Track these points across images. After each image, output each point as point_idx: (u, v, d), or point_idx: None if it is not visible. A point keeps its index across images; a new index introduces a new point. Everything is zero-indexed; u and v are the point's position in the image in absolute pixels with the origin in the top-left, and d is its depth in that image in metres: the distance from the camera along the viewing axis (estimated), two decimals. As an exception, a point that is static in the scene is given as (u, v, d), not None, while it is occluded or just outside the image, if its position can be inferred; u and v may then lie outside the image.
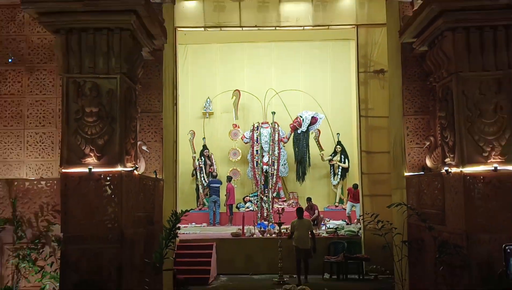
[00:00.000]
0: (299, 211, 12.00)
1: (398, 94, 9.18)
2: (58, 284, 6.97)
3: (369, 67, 12.70)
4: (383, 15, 10.73)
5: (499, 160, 6.98)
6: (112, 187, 6.87)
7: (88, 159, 6.90)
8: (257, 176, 16.43)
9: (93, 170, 6.84)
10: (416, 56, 8.84)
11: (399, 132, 9.25)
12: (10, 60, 8.73)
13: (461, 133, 7.08)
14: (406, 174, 9.06)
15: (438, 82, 7.97)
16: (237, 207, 16.62)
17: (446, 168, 7.44)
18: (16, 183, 7.89)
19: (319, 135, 16.81)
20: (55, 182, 7.74)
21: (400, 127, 9.13)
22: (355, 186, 14.64)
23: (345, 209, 15.70)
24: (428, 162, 8.78)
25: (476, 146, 7.03)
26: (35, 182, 7.95)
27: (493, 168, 6.93)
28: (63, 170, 6.93)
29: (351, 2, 12.28)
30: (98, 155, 6.90)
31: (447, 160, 7.49)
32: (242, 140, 16.98)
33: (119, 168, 6.94)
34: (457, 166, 7.14)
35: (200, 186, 16.85)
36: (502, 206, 6.81)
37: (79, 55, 6.96)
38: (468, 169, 6.97)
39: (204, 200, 16.67)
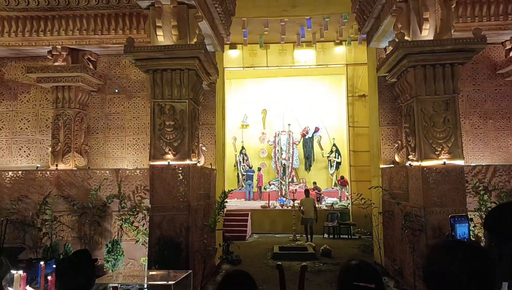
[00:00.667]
0: (306, 191, 11.98)
1: (375, 111, 9.09)
2: (147, 238, 7.07)
3: (355, 93, 12.62)
4: (365, 57, 10.65)
5: (447, 156, 6.83)
6: (183, 174, 6.93)
7: (167, 155, 6.98)
8: (278, 168, 16.49)
9: (170, 163, 6.92)
10: (388, 85, 8.74)
11: (376, 138, 9.15)
12: (116, 91, 8.99)
13: (420, 138, 6.97)
14: (381, 166, 8.96)
15: (403, 103, 7.86)
16: (264, 188, 16.66)
17: (409, 162, 7.34)
18: (120, 171, 8.03)
19: (320, 140, 16.81)
20: (146, 171, 7.85)
21: (377, 134, 9.04)
22: (342, 177, 14.67)
23: (338, 191, 15.58)
24: (397, 158, 8.67)
25: (430, 147, 6.91)
26: (132, 170, 8.10)
27: (442, 162, 6.81)
28: (151, 163, 7.03)
29: (343, 49, 12.24)
30: (173, 153, 6.98)
31: (410, 156, 7.38)
32: (268, 143, 17.08)
33: (187, 162, 7.00)
34: (417, 161, 7.03)
35: (239, 174, 16.97)
36: (449, 188, 6.69)
37: (161, 87, 7.06)
38: (425, 163, 6.86)
39: (242, 183, 16.77)
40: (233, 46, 12.33)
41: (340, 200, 14.56)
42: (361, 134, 12.43)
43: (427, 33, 7.00)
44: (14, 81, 9.10)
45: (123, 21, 8.30)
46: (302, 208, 11.41)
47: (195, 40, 7.08)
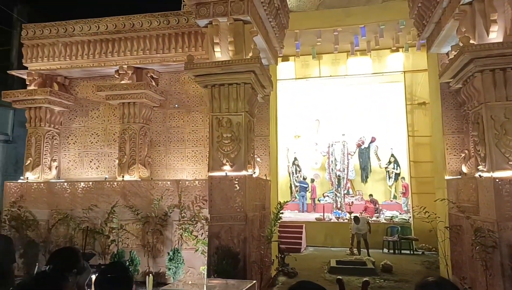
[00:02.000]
0: (356, 219, 11.46)
1: (438, 119, 8.67)
2: (206, 247, 7.28)
3: (414, 100, 12.13)
4: (423, 64, 10.24)
5: (522, 167, 6.36)
6: (239, 185, 7.07)
7: (225, 167, 7.18)
8: (332, 179, 16.18)
9: (227, 174, 7.11)
10: (452, 92, 8.32)
11: (440, 147, 8.70)
12: (176, 106, 9.51)
13: (490, 147, 6.54)
14: (446, 177, 8.49)
15: (470, 110, 7.43)
16: (318, 200, 16.44)
17: (479, 173, 6.89)
18: (180, 182, 8.40)
19: (377, 150, 16.25)
20: (204, 181, 8.13)
21: (441, 143, 8.60)
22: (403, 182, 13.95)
23: (398, 203, 14.94)
24: (464, 169, 8.17)
25: (503, 157, 6.44)
26: (191, 181, 8.44)
27: (517, 173, 6.32)
28: (210, 174, 7.27)
29: (400, 56, 11.85)
30: (231, 164, 7.17)
31: (480, 167, 6.93)
32: (321, 153, 16.84)
33: (243, 173, 7.14)
34: (488, 171, 6.58)
35: (292, 185, 16.93)
36: (525, 201, 6.18)
37: (219, 101, 7.33)
38: (497, 174, 6.40)
39: (296, 194, 16.70)
40: (285, 58, 12.49)
41: (400, 213, 13.94)
42: (422, 144, 11.88)
43: (495, 35, 6.60)
44: (86, 99, 9.99)
45: (183, 40, 8.82)
46: (354, 229, 11.12)
47: (250, 54, 7.31)
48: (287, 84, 14.76)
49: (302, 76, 13.18)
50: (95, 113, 9.90)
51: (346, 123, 16.44)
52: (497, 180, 6.34)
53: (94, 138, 9.81)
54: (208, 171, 7.41)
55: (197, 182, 8.34)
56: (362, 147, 16.29)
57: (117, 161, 9.21)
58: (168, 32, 8.87)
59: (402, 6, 9.46)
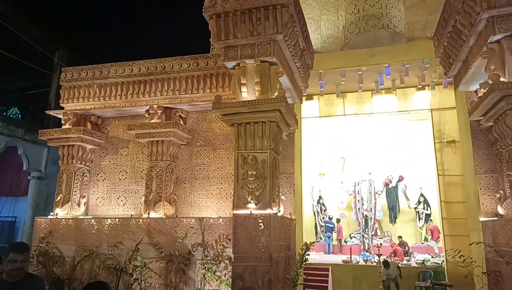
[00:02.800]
0: (385, 263, 10.95)
1: (470, 158, 8.38)
2: (230, 288, 7.10)
3: (443, 138, 11.80)
4: (451, 101, 10.10)
5: None
6: (264, 224, 6.96)
7: (249, 205, 7.13)
8: (359, 219, 15.65)
9: (252, 212, 7.04)
10: (483, 130, 8.09)
11: (473, 187, 8.34)
12: (201, 143, 9.65)
13: (528, 188, 6.22)
14: (481, 219, 8.05)
15: (504, 148, 7.16)
16: (345, 241, 15.83)
17: (517, 215, 6.52)
18: (204, 220, 8.32)
19: (405, 189, 15.72)
20: (228, 219, 8.03)
21: (474, 183, 8.24)
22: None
23: (430, 245, 14.17)
24: (500, 210, 7.74)
25: (543, 198, 6.11)
26: (216, 219, 8.33)
27: (561, 216, 5.93)
28: (234, 212, 7.21)
29: (426, 93, 11.74)
30: (255, 202, 7.12)
31: (518, 208, 6.57)
32: (347, 192, 16.45)
33: (268, 211, 7.06)
34: (527, 213, 6.23)
35: (318, 225, 16.46)
36: None
37: (245, 139, 7.42)
38: (538, 216, 6.04)
39: (321, 235, 16.19)
40: (310, 97, 12.60)
41: (433, 257, 13.17)
42: (454, 183, 11.40)
43: (526, 72, 6.48)
44: (117, 137, 10.34)
45: (210, 81, 9.12)
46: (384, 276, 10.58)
47: (276, 94, 7.46)
48: (312, 122, 14.77)
49: (327, 114, 13.18)
50: (124, 151, 10.19)
51: (372, 161, 16.09)
52: (539, 223, 5.96)
53: (123, 175, 10.03)
54: (232, 209, 7.36)
55: (221, 220, 8.27)
56: (390, 186, 15.80)
57: (143, 198, 9.32)
58: (197, 73, 9.22)
59: (427, 45, 9.51)
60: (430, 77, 10.70)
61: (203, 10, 7.53)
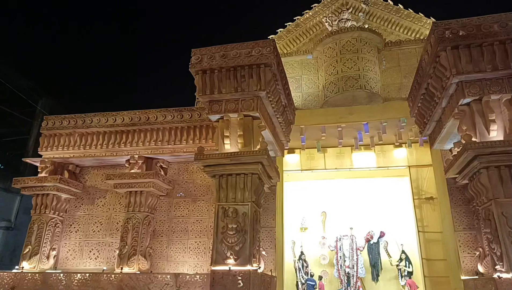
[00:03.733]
0: None
1: (448, 215, 8.46)
2: None
3: (422, 195, 12.00)
4: (427, 159, 10.41)
5: (543, 268, 5.98)
6: (243, 281, 6.70)
7: (228, 260, 6.91)
8: (341, 276, 15.17)
9: (231, 268, 6.78)
10: (459, 187, 8.27)
11: (452, 244, 8.33)
12: (181, 195, 9.47)
13: (506, 246, 6.26)
14: (462, 277, 7.94)
15: (480, 206, 7.30)
16: (327, 300, 15.19)
17: (498, 273, 6.48)
18: (180, 276, 7.90)
19: (387, 245, 15.50)
20: (205, 276, 7.65)
21: (453, 240, 8.25)
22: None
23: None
24: (480, 268, 7.69)
25: (521, 256, 6.14)
26: (192, 275, 7.92)
27: (540, 275, 5.93)
28: (212, 268, 6.94)
29: (403, 151, 12.10)
30: (235, 257, 6.90)
31: (498, 267, 6.54)
32: (329, 248, 16.09)
33: (248, 267, 6.83)
34: (507, 272, 6.20)
35: (299, 282, 15.83)
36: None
37: (226, 190, 7.36)
38: (518, 276, 6.02)
39: (302, 293, 15.49)
40: (291, 150, 12.78)
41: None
42: (434, 240, 11.40)
43: (495, 133, 6.83)
44: (94, 187, 10.05)
45: (194, 133, 9.20)
46: None
47: (258, 146, 7.56)
48: (293, 176, 14.86)
49: (308, 167, 13.34)
50: (101, 201, 9.87)
51: (353, 216, 15.97)
52: (520, 282, 5.93)
53: (97, 226, 9.61)
54: (210, 265, 7.08)
55: (198, 276, 7.87)
56: (371, 242, 15.53)
57: (117, 251, 8.86)
58: (181, 125, 9.31)
59: (402, 105, 9.99)
60: (407, 135, 11.11)
61: (189, 66, 7.79)
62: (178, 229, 9.16)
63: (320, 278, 15.47)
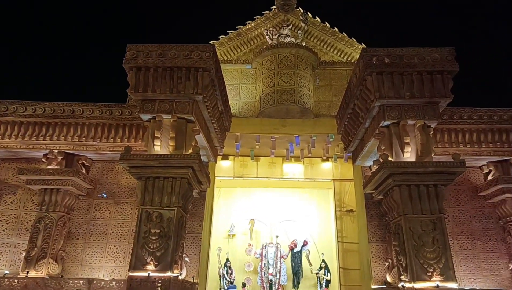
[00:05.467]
0: None
1: (364, 227, 9.01)
2: None
3: (343, 207, 12.67)
4: (350, 174, 11.02)
5: (439, 278, 6.61)
6: (162, 287, 6.47)
7: (148, 266, 6.63)
8: (264, 283, 15.35)
9: (150, 275, 6.52)
10: (375, 202, 8.86)
11: (366, 255, 8.88)
12: (104, 196, 8.90)
13: (410, 258, 6.82)
14: (373, 286, 8.49)
15: (391, 220, 7.89)
16: (248, 307, 15.24)
17: (402, 283, 7.02)
18: (95, 282, 7.44)
19: (309, 254, 16.09)
20: (123, 282, 7.31)
21: (367, 251, 8.79)
22: None
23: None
24: (389, 278, 8.28)
25: (422, 268, 6.72)
26: (108, 282, 7.51)
27: (435, 284, 6.54)
28: (130, 274, 6.62)
29: (329, 165, 12.72)
30: (155, 263, 6.65)
31: (402, 277, 7.10)
32: (254, 255, 16.20)
33: (169, 274, 6.62)
34: (410, 282, 6.75)
35: (222, 289, 15.71)
36: (446, 315, 6.29)
37: (152, 194, 7.07)
38: (418, 285, 6.58)
39: (225, 300, 15.37)
40: (225, 157, 12.73)
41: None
42: (351, 250, 12.06)
43: (409, 155, 7.44)
44: (3, 181, 9.00)
45: (123, 131, 8.71)
46: None
47: (190, 151, 7.37)
48: (225, 182, 14.79)
49: (240, 175, 13.37)
50: (10, 197, 8.86)
51: (280, 225, 16.36)
52: (416, 291, 6.47)
53: (3, 225, 8.60)
54: (128, 271, 6.70)
55: (114, 282, 7.45)
56: (295, 250, 16.02)
57: (24, 254, 7.99)
58: (109, 122, 8.76)
59: (331, 122, 10.50)
60: (334, 150, 11.69)
61: (123, 61, 7.38)
62: (96, 232, 8.56)
63: (244, 285, 15.49)
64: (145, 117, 7.54)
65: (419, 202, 7.16)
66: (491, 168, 9.26)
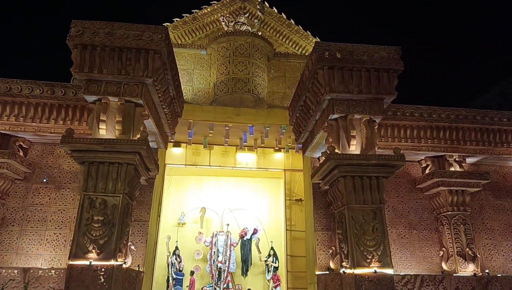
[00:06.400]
0: None
1: (310, 216, 9.35)
2: None
3: (293, 197, 13.00)
4: (300, 164, 11.33)
5: (377, 265, 7.04)
6: (105, 276, 6.30)
7: (90, 254, 6.41)
8: (213, 271, 15.45)
9: (92, 263, 6.32)
10: (322, 192, 9.19)
11: (311, 242, 9.23)
12: (45, 181, 8.41)
13: (352, 245, 7.18)
14: (317, 272, 8.87)
15: (336, 209, 8.24)
16: (197, 295, 15.28)
17: (343, 269, 7.40)
18: (31, 271, 7.06)
19: (258, 242, 16.40)
20: (62, 271, 7.02)
21: (312, 239, 9.13)
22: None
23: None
24: (332, 264, 8.69)
25: (362, 255, 7.11)
26: (46, 271, 7.17)
27: (373, 270, 6.96)
28: (70, 262, 6.36)
29: (281, 155, 12.97)
30: (98, 251, 6.44)
31: (344, 263, 7.47)
32: (204, 243, 16.21)
33: (112, 262, 6.44)
34: (350, 268, 7.12)
35: (170, 277, 15.57)
36: (381, 298, 6.74)
37: (95, 180, 6.80)
38: (358, 271, 6.96)
39: (173, 288, 15.28)
40: (177, 144, 12.50)
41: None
42: (298, 238, 12.45)
43: (354, 148, 7.78)
44: None
45: (66, 112, 8.24)
46: None
47: (138, 136, 7.14)
48: (177, 170, 14.56)
49: (193, 163, 13.21)
50: None
51: (232, 214, 16.47)
52: (358, 276, 6.87)
53: None
54: (68, 259, 6.43)
55: (53, 271, 7.12)
56: (245, 238, 16.24)
57: (-52, 241, 7.37)
58: (51, 102, 8.24)
59: (284, 113, 10.67)
60: (286, 141, 11.92)
61: (67, 37, 6.94)
62: (35, 218, 8.09)
63: (192, 273, 15.46)
64: (90, 98, 7.17)
65: (361, 193, 7.54)
66: (428, 163, 9.98)
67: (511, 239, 9.94)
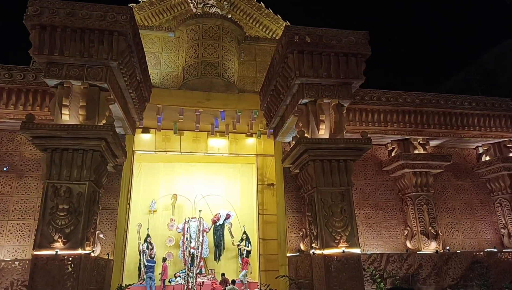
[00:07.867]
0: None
1: (281, 200, 9.52)
2: None
3: (265, 181, 13.12)
4: (273, 149, 11.44)
5: (345, 245, 7.30)
6: (72, 265, 6.20)
7: (56, 244, 6.26)
8: (186, 257, 15.49)
9: (58, 252, 6.19)
10: (293, 176, 9.36)
11: (282, 225, 9.43)
12: (5, 169, 8.06)
13: (321, 227, 7.40)
14: (288, 254, 9.10)
15: (306, 193, 8.43)
16: (169, 281, 15.28)
17: (313, 250, 7.63)
18: (-7, 263, 6.87)
19: (231, 227, 16.54)
20: (27, 262, 6.81)
21: (283, 222, 9.33)
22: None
23: (254, 281, 15.06)
24: (302, 246, 8.94)
25: (331, 236, 7.35)
26: (10, 262, 6.95)
27: (342, 250, 7.22)
28: (34, 252, 6.20)
29: (253, 140, 13.01)
30: (64, 241, 6.30)
31: (314, 245, 7.70)
32: (176, 230, 16.17)
33: (79, 251, 6.33)
34: (319, 249, 7.35)
35: (142, 265, 15.48)
36: (348, 277, 7.03)
37: (59, 167, 6.60)
38: (327, 251, 7.20)
39: (144, 276, 15.23)
40: (146, 130, 12.25)
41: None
42: (270, 222, 12.64)
43: (323, 132, 7.94)
44: None
45: (26, 97, 7.89)
46: None
47: (104, 121, 6.96)
48: (146, 157, 14.32)
49: (163, 149, 13.01)
50: None
51: (204, 200, 16.48)
52: (327, 257, 7.12)
53: None
54: (33, 249, 6.25)
55: (17, 263, 6.91)
56: (217, 223, 16.36)
57: None
58: (9, 86, 7.85)
59: (255, 98, 10.68)
60: (258, 126, 11.96)
61: (24, 17, 6.58)
62: (-6, 209, 7.77)
63: (164, 259, 15.43)
64: (51, 82, 6.88)
65: (330, 176, 7.74)
66: (394, 146, 10.36)
67: (470, 218, 10.58)
